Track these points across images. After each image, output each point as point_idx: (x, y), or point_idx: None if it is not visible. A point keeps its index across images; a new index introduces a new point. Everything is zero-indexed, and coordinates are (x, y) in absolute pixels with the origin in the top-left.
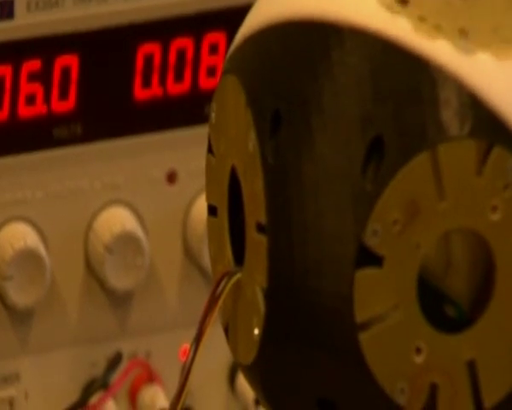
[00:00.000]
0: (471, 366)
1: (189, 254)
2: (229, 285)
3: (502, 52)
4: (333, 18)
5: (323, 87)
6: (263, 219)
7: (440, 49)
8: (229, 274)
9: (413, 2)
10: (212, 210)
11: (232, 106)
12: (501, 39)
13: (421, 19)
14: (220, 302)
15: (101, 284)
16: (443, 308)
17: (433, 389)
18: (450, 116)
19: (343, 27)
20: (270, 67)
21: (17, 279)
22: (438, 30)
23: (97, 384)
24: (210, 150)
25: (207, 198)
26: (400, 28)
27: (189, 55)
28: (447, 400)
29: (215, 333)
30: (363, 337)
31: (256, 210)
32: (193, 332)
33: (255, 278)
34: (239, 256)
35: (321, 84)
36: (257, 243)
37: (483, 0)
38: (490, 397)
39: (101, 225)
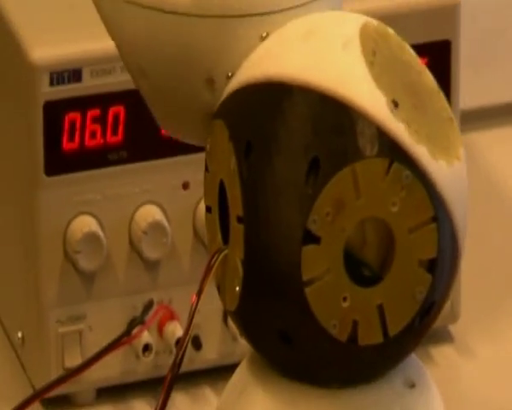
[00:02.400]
0: (380, 309)
1: (197, 235)
2: (220, 258)
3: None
4: (285, 79)
5: (279, 126)
6: (241, 213)
7: (358, 97)
8: (219, 251)
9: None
10: (208, 209)
11: (220, 140)
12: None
13: None
14: (214, 270)
15: (140, 255)
16: (361, 270)
17: (355, 324)
18: (363, 143)
19: (292, 85)
20: (244, 113)
21: (84, 252)
22: None
23: (137, 321)
24: (206, 169)
25: (205, 201)
26: (333, 84)
27: None
28: (364, 331)
29: (212, 289)
30: (308, 291)
31: (236, 208)
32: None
33: (236, 253)
34: (225, 239)
35: (277, 123)
36: (237, 230)
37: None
38: (393, 329)
39: (139, 216)
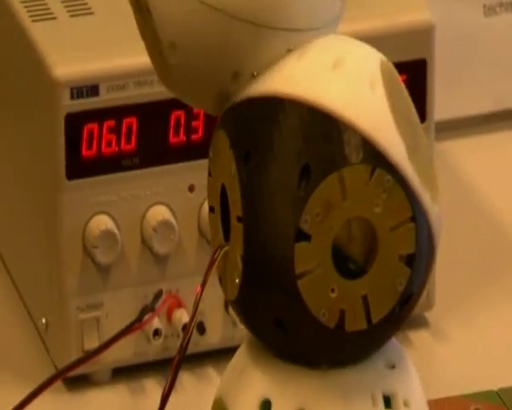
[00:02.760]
0: (364, 299)
1: (201, 233)
2: (221, 253)
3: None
4: (278, 93)
5: (274, 136)
6: (240, 214)
7: (344, 109)
8: (221, 247)
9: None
10: (211, 209)
11: (221, 148)
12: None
13: None
14: (216, 263)
15: (150, 250)
16: (347, 264)
17: (342, 312)
18: (349, 151)
19: (284, 99)
20: (243, 125)
21: (101, 247)
22: None
23: (148, 309)
24: (209, 174)
25: (208, 202)
26: (320, 98)
27: (201, 116)
28: (350, 319)
29: (215, 281)
30: (300, 283)
31: (236, 209)
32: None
33: (236, 249)
34: (226, 236)
35: (272, 134)
36: (237, 228)
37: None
38: (375, 317)
39: (150, 216)
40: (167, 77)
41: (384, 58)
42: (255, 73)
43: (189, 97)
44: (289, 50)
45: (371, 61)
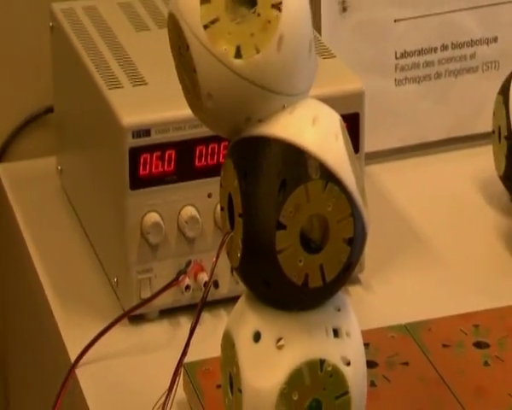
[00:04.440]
0: (321, 267)
1: (216, 224)
2: (228, 237)
3: None
4: (266, 134)
5: (262, 161)
6: (241, 212)
7: (310, 144)
8: (228, 233)
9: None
10: (222, 209)
11: (229, 169)
12: None
13: None
14: (225, 244)
15: (183, 235)
16: (310, 244)
17: (306, 275)
18: (311, 171)
19: (270, 138)
20: (243, 154)
21: (152, 233)
22: None
23: (182, 272)
24: (221, 186)
25: (220, 204)
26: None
27: (216, 150)
28: (312, 279)
29: (225, 255)
30: (280, 256)
31: (238, 209)
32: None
33: (238, 234)
34: (232, 226)
35: (262, 160)
36: (238, 221)
37: None
38: (328, 278)
39: (183, 212)
40: (200, 113)
41: (339, 116)
42: (260, 119)
43: (213, 127)
44: (284, 107)
45: (335, 120)
